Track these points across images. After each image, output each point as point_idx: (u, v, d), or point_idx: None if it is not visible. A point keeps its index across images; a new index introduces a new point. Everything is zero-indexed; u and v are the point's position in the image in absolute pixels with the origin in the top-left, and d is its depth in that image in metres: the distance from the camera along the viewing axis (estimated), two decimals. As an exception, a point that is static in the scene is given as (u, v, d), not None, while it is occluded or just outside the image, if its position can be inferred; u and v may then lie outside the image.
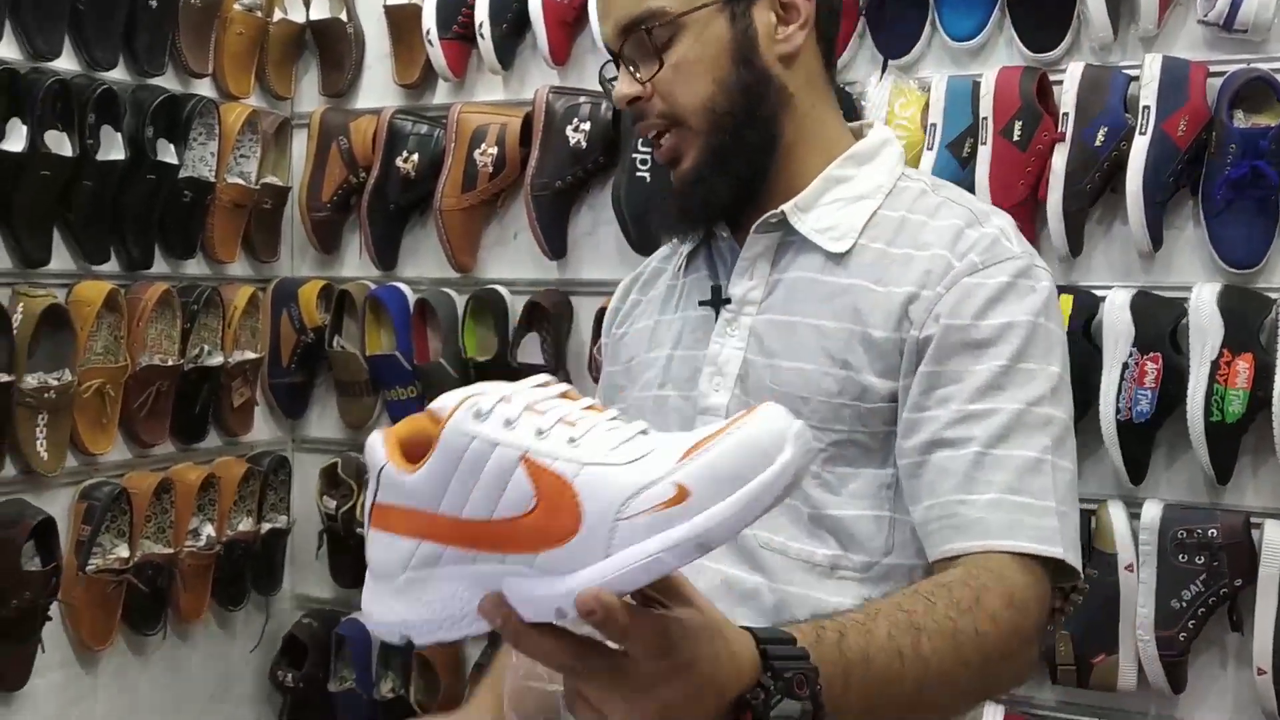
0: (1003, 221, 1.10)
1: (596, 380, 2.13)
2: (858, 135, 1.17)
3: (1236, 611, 1.79)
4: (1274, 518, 1.77)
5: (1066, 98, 1.83)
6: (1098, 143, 1.81)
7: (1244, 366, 1.73)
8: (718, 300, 1.13)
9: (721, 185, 1.11)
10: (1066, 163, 1.82)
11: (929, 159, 1.90)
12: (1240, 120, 1.78)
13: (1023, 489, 0.98)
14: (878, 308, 1.06)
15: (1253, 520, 1.78)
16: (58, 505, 2.00)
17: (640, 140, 1.11)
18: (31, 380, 1.91)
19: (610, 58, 1.15)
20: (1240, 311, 1.76)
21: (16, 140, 1.87)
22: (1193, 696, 1.84)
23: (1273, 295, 1.77)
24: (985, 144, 1.87)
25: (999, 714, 1.90)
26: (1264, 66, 1.78)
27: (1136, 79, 1.82)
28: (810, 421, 0.96)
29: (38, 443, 1.95)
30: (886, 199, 1.12)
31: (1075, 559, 1.00)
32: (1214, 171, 1.78)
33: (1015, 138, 1.85)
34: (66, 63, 1.99)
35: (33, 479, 1.97)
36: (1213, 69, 1.81)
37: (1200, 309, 1.76)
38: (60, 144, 1.93)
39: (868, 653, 0.83)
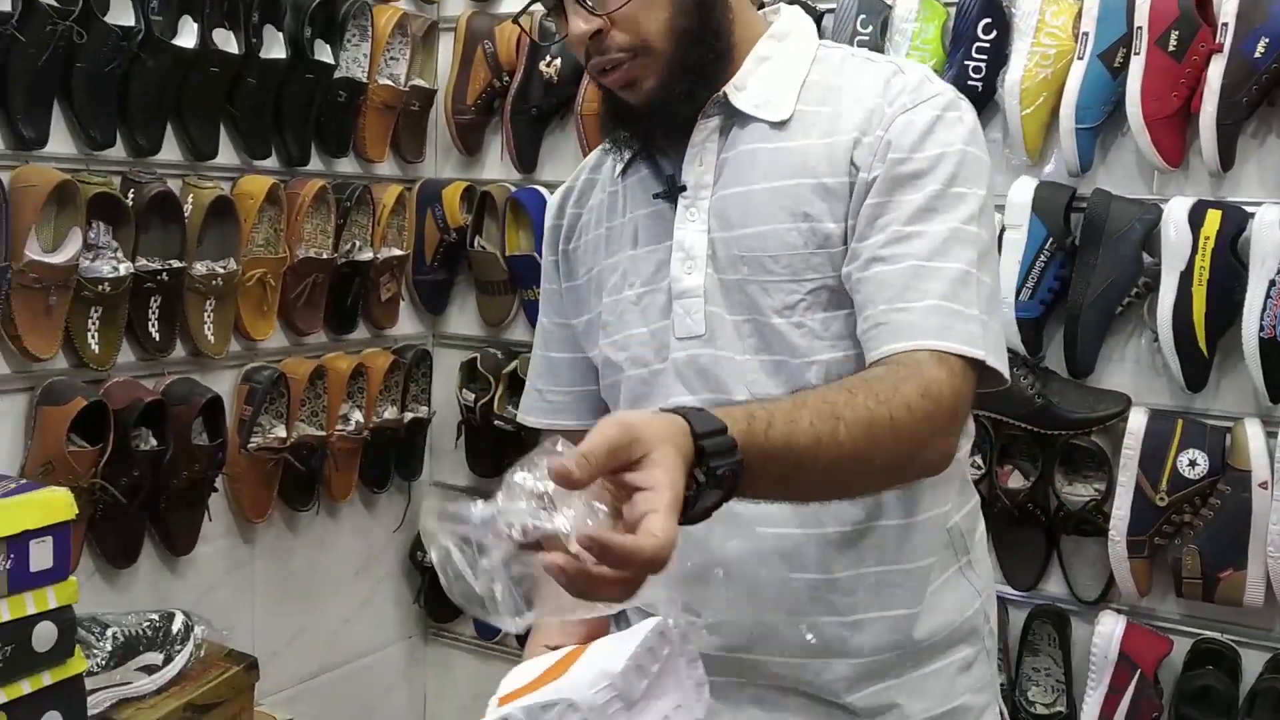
0: (924, 69, 1.17)
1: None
2: (768, 15, 1.22)
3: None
4: None
5: (1227, 7, 1.79)
6: (1257, 54, 1.76)
7: None
8: (673, 190, 1.17)
9: (685, 98, 1.14)
10: (1223, 75, 1.78)
11: (1079, 68, 1.88)
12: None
13: (953, 297, 1.05)
14: (824, 158, 1.12)
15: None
16: (222, 385, 2.13)
17: (590, 69, 1.10)
18: (200, 268, 2.03)
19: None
20: None
21: (188, 37, 1.96)
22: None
23: None
24: (1139, 54, 1.84)
25: (1120, 624, 1.93)
26: None
27: (1303, -13, 1.77)
28: (784, 277, 1.09)
29: (205, 327, 2.08)
30: (812, 67, 1.17)
31: (999, 362, 1.07)
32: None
33: (1171, 48, 1.82)
34: (233, -36, 2.07)
35: (200, 360, 2.10)
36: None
37: (1356, 227, 1.73)
38: (227, 42, 2.02)
39: (789, 439, 0.91)
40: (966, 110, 1.14)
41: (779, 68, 1.17)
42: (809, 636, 1.14)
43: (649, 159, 1.22)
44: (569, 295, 1.31)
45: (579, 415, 1.34)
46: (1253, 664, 1.87)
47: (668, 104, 1.14)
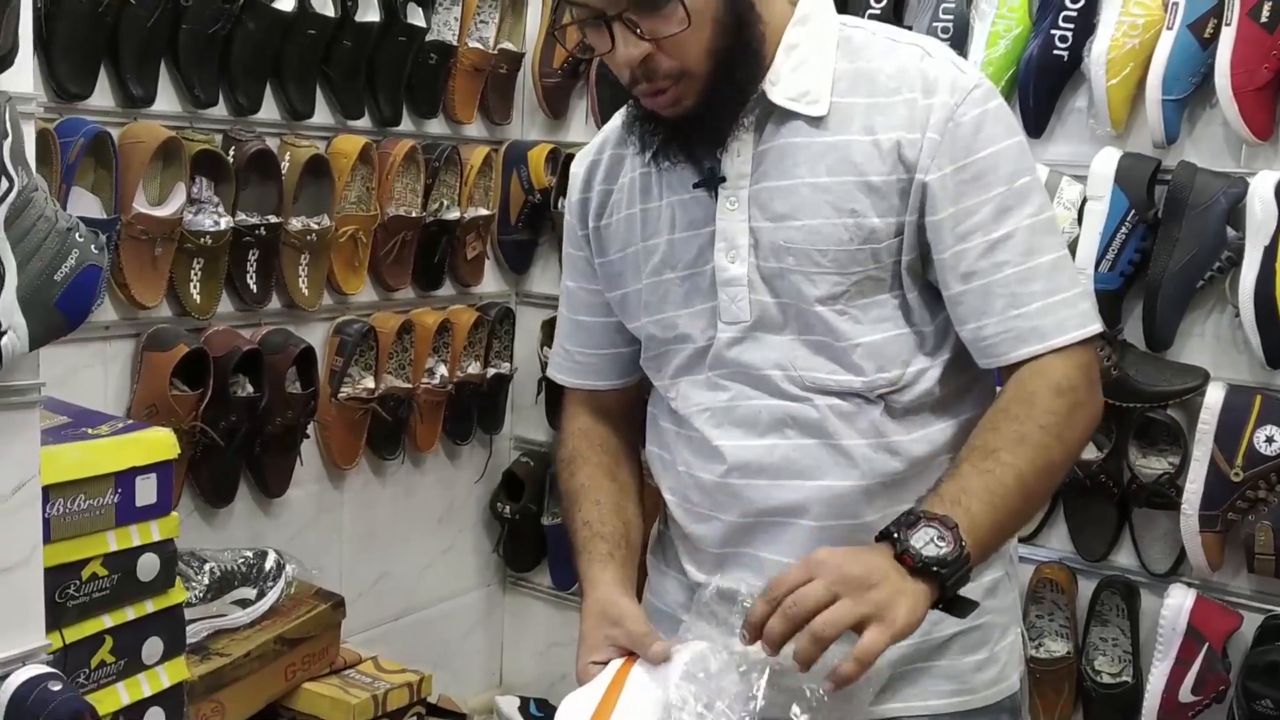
0: (946, 50, 1.21)
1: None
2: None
3: None
4: None
5: (1324, -23, 1.76)
6: (1354, 25, 1.74)
7: None
8: (714, 180, 1.20)
9: (724, 108, 1.18)
10: (1317, 46, 1.76)
11: (1168, 38, 1.86)
12: None
13: (1055, 289, 1.16)
14: (870, 156, 1.16)
15: None
16: (315, 337, 2.22)
17: (628, 85, 1.13)
18: (296, 223, 2.12)
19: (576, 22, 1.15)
20: None
21: (287, 1, 2.04)
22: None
23: None
24: (1230, 25, 1.82)
25: (1190, 598, 1.93)
26: None
27: (1405, -43, 1.73)
28: (830, 269, 1.15)
29: (300, 280, 2.16)
30: (838, 51, 1.19)
31: (1099, 322, 1.19)
32: None
33: (1263, 19, 1.79)
34: (330, -72, 2.14)
35: (294, 312, 2.19)
36: None
37: None
38: (324, 5, 2.09)
39: (966, 487, 1.07)
40: (995, 93, 1.18)
41: (808, 54, 1.19)
42: None
43: (688, 148, 1.22)
44: (602, 270, 1.34)
45: (608, 376, 1.40)
46: (1324, 642, 1.86)
47: (708, 117, 1.17)
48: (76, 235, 1.32)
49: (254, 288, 2.09)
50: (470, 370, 2.55)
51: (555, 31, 1.28)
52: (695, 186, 1.23)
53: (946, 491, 1.07)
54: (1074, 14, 1.94)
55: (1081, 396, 1.15)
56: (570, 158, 2.48)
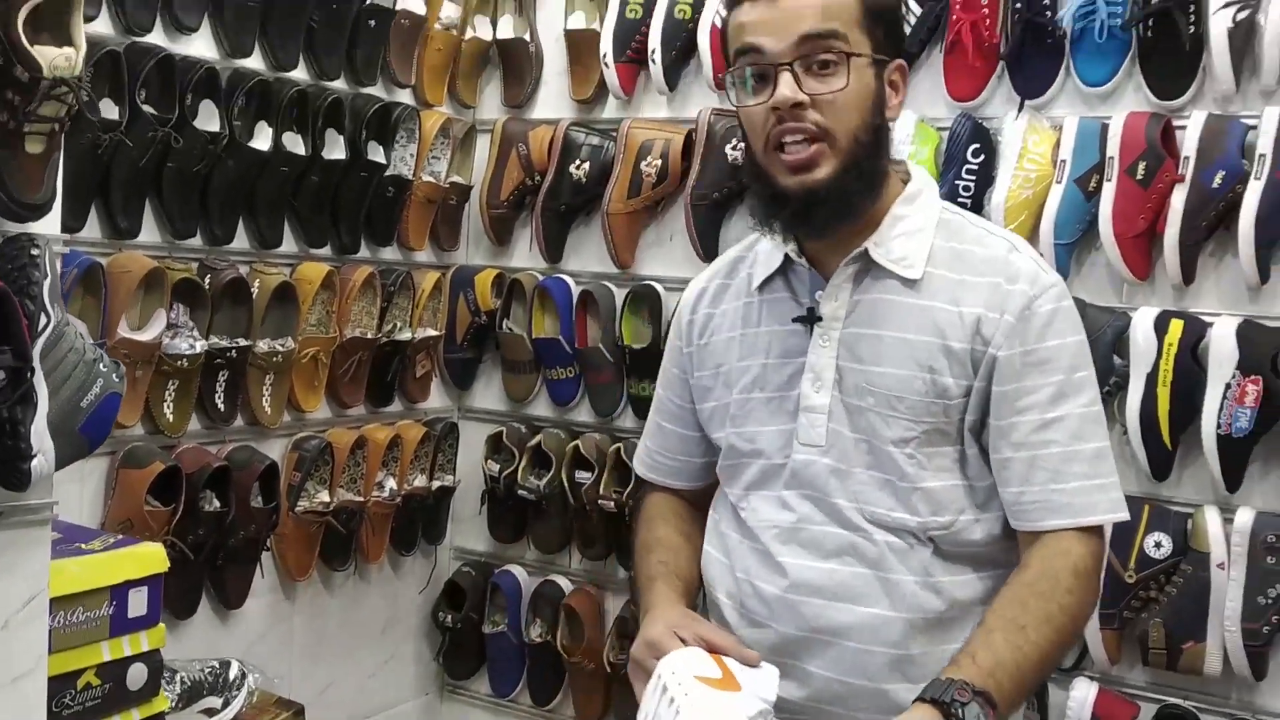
0: (1029, 249, 1.41)
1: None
2: (899, 174, 1.43)
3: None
4: (1354, 529, 1.97)
5: (1188, 143, 2.03)
6: (1215, 185, 2.01)
7: None
8: (812, 318, 1.40)
9: (846, 203, 1.34)
10: (1185, 202, 2.02)
11: (1058, 191, 2.12)
12: (1353, 168, 1.97)
13: (1094, 474, 1.34)
14: (954, 324, 1.35)
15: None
16: (274, 452, 2.32)
17: (780, 161, 1.32)
18: (263, 345, 2.23)
19: (749, 65, 1.33)
20: None
21: (263, 140, 2.19)
22: (1273, 683, 2.05)
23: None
24: (1111, 181, 2.08)
25: (1093, 690, 2.12)
26: (1377, 117, 1.97)
27: (1255, 128, 2.01)
28: (904, 415, 1.34)
29: (264, 399, 2.28)
30: (937, 231, 1.39)
31: (1126, 512, 1.37)
32: (1321, 216, 1.97)
33: (1139, 176, 2.06)
34: (300, 73, 2.31)
35: (257, 429, 2.30)
36: (1328, 120, 1.99)
37: (1300, 339, 1.96)
38: (296, 144, 2.25)
39: (1000, 662, 1.23)
40: (1067, 294, 1.38)
41: (912, 228, 1.39)
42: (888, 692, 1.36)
43: (787, 284, 1.44)
44: (696, 383, 1.53)
45: (681, 479, 1.60)
46: (1212, 729, 2.07)
47: (829, 199, 1.32)
48: (100, 365, 1.44)
49: (222, 407, 2.19)
50: (417, 483, 2.66)
51: (719, 79, 1.44)
52: (794, 321, 1.41)
53: (983, 661, 1.23)
54: (975, 167, 2.19)
55: (1094, 582, 1.35)
56: (515, 282, 2.69)
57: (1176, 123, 2.08)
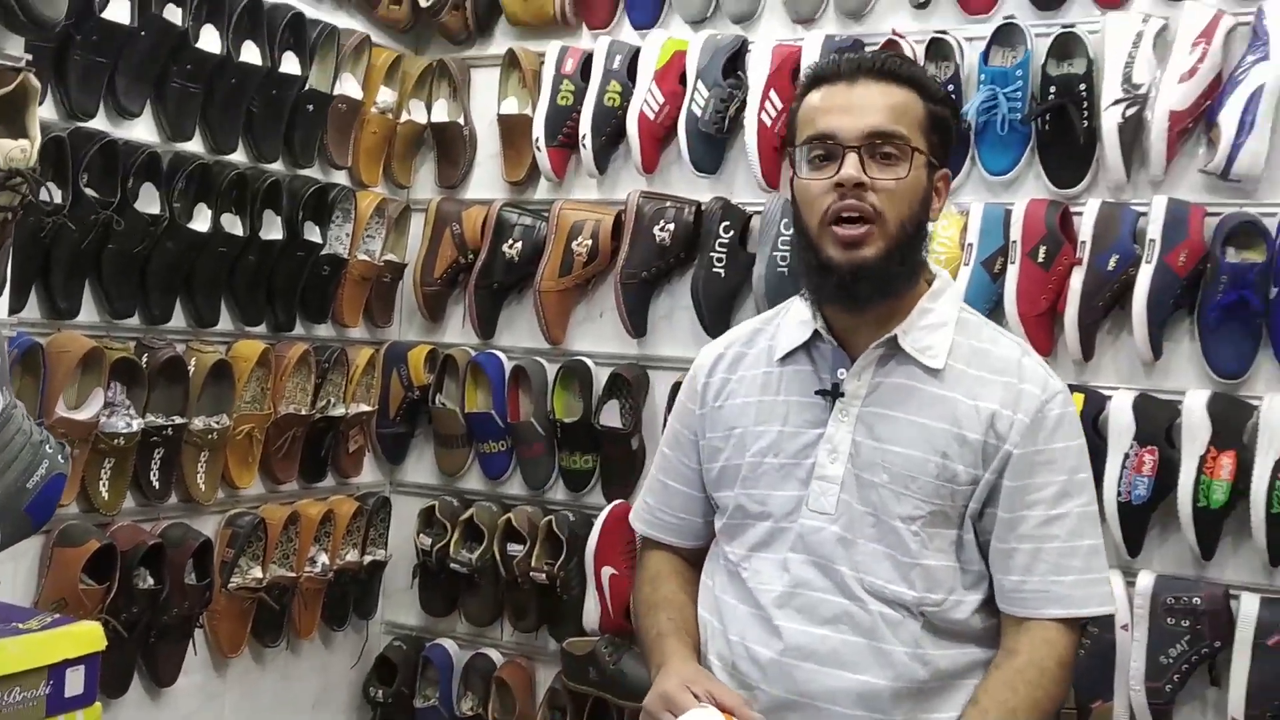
0: (1034, 352, 1.54)
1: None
2: (924, 272, 1.54)
3: (1215, 669, 2.10)
4: (1250, 590, 2.09)
5: (1085, 228, 2.18)
6: (1110, 267, 2.15)
7: (1227, 462, 2.05)
8: (835, 393, 1.49)
9: (888, 283, 1.46)
10: (1083, 283, 2.16)
11: (965, 273, 2.25)
12: (1232, 255, 2.12)
13: (1088, 569, 1.46)
14: (969, 416, 1.45)
15: (1231, 592, 2.10)
16: (207, 529, 2.34)
17: (832, 235, 1.44)
18: (199, 423, 2.26)
19: (815, 142, 1.45)
20: (1225, 415, 2.08)
21: (202, 222, 2.24)
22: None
23: (1254, 402, 2.09)
24: (1014, 263, 2.21)
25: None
26: (1253, 211, 2.12)
27: (1145, 215, 2.16)
28: (914, 494, 1.43)
29: (199, 475, 2.30)
30: (956, 328, 1.51)
31: (1114, 605, 1.51)
32: (1208, 297, 2.11)
33: (1040, 259, 2.19)
34: (239, 156, 2.36)
35: (191, 506, 2.32)
36: (1210, 210, 2.15)
37: (1192, 411, 2.09)
38: (234, 225, 2.30)
39: None
40: (1071, 400, 1.50)
41: (936, 321, 1.50)
42: None
43: (810, 359, 1.53)
44: (706, 444, 1.60)
45: (678, 536, 1.66)
46: (1122, 785, 2.16)
47: (874, 276, 1.43)
48: (47, 446, 1.47)
49: (156, 484, 2.21)
50: (349, 558, 2.68)
51: (787, 151, 1.57)
52: (817, 393, 1.50)
53: None
54: (890, 249, 2.31)
55: (1071, 673, 1.47)
56: (448, 358, 2.75)
57: (1073, 209, 2.23)
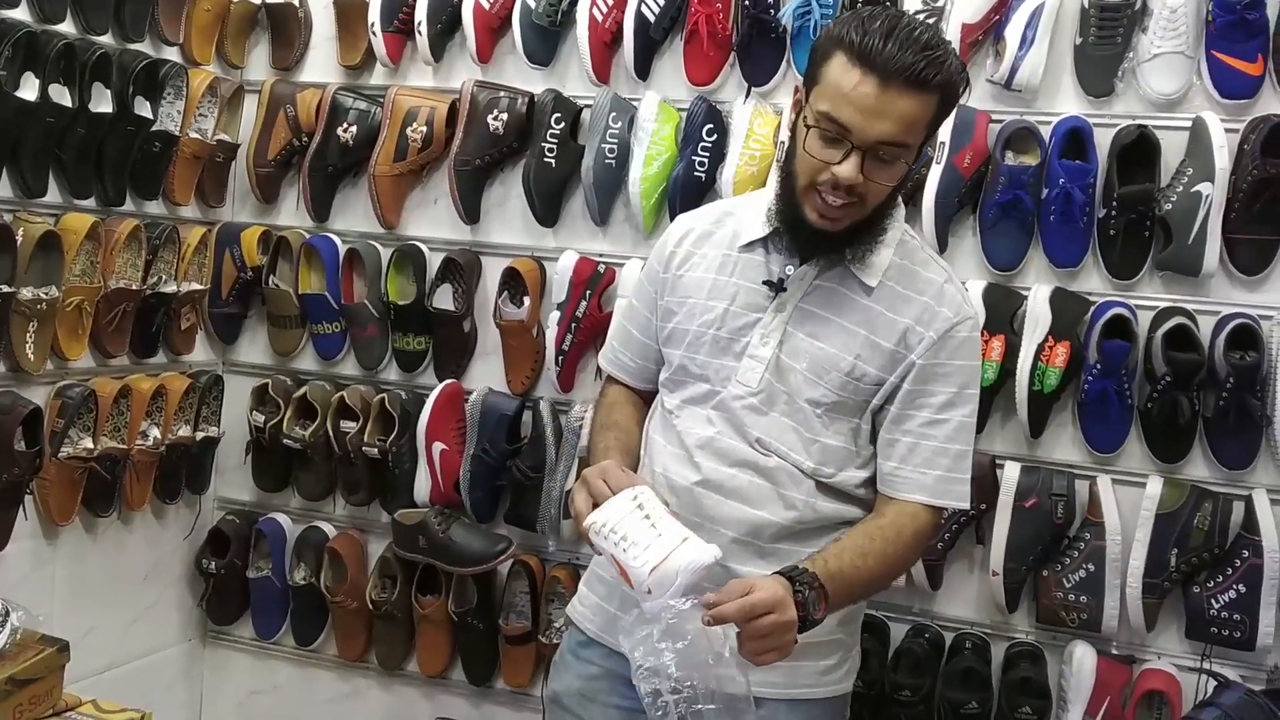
0: (958, 282, 1.78)
1: (499, 324, 2.59)
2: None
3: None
4: (1012, 460, 2.35)
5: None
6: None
7: (1063, 350, 2.23)
8: (779, 287, 1.72)
9: (848, 243, 1.69)
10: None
11: (775, 169, 2.40)
12: (1010, 159, 2.34)
13: (955, 469, 1.73)
14: (887, 327, 1.71)
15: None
16: (37, 398, 2.35)
17: (815, 202, 1.64)
18: (27, 293, 2.27)
19: (826, 125, 1.59)
20: (1061, 307, 2.26)
21: (30, 91, 2.22)
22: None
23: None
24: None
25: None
26: (1031, 118, 2.34)
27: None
28: (824, 384, 1.68)
29: (27, 345, 2.31)
30: (896, 248, 1.75)
31: (969, 503, 1.79)
32: (988, 196, 2.33)
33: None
34: (68, 26, 2.34)
35: (20, 376, 2.33)
36: (994, 117, 2.36)
37: (1037, 302, 2.30)
38: (62, 96, 2.29)
39: (842, 571, 1.61)
40: (979, 325, 1.80)
41: (880, 241, 1.72)
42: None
43: (765, 250, 1.75)
44: (663, 305, 1.83)
45: (633, 378, 1.93)
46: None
47: (839, 242, 1.68)
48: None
49: (-17, 352, 2.22)
50: (181, 433, 2.72)
51: (797, 123, 1.66)
52: (764, 283, 1.73)
53: (830, 566, 1.59)
54: (709, 145, 2.46)
55: (921, 549, 1.79)
56: (282, 239, 2.79)
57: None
